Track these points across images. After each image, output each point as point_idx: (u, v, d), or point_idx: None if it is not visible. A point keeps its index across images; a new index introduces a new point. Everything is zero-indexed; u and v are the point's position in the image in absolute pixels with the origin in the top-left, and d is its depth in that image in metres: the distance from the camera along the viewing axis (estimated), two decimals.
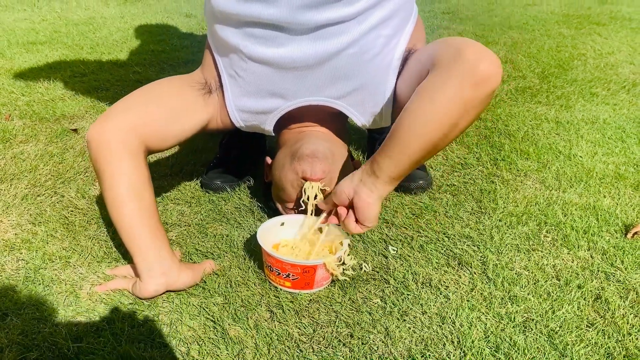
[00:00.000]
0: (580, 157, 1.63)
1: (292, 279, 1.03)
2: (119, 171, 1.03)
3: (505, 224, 1.29)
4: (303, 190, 1.12)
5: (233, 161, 1.50)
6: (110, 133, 1.03)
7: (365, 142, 1.69)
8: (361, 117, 1.15)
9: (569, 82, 2.30)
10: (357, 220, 1.03)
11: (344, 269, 1.08)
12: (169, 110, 1.10)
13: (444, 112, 0.91)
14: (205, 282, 1.08)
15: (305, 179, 1.11)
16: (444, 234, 1.25)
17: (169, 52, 2.73)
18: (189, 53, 2.73)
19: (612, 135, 1.78)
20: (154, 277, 1.02)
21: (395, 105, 1.13)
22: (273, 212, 1.27)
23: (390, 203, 1.38)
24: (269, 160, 1.27)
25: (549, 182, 1.48)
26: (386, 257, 1.17)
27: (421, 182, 1.43)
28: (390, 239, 1.23)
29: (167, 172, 1.53)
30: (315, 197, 1.13)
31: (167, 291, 1.05)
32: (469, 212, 1.35)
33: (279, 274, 1.05)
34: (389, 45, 1.09)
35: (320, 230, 1.12)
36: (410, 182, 1.43)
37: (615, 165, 1.58)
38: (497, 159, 1.61)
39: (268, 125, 1.17)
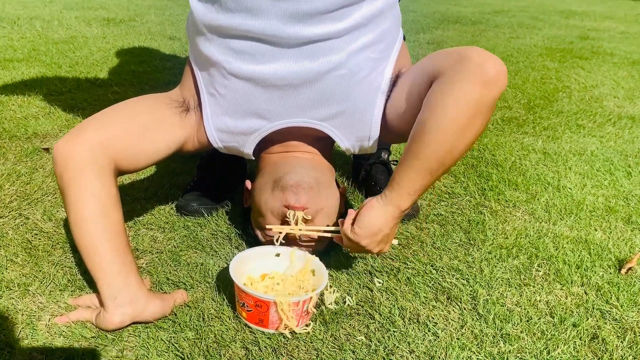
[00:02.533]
0: (570, 188, 1.59)
1: (247, 310, 0.96)
2: (84, 189, 0.95)
3: (495, 256, 1.24)
4: (286, 218, 1.06)
5: (211, 184, 1.43)
6: (78, 149, 0.96)
7: (350, 168, 1.63)
8: (346, 141, 1.10)
9: (555, 113, 2.28)
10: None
11: (320, 306, 1.01)
12: (142, 127, 1.03)
13: (455, 115, 0.89)
14: (175, 315, 0.99)
15: (289, 208, 1.04)
16: (432, 266, 1.19)
17: (150, 73, 2.67)
18: (170, 74, 2.67)
19: (600, 168, 1.75)
20: (119, 306, 0.94)
21: (384, 131, 1.07)
22: (252, 239, 1.20)
23: None
24: (249, 184, 1.20)
25: (538, 214, 1.44)
26: (371, 290, 1.10)
27: None
28: (376, 270, 1.16)
29: (140, 195, 1.45)
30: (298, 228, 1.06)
31: (133, 322, 0.96)
32: (457, 244, 1.29)
33: (238, 301, 0.98)
34: (377, 69, 1.04)
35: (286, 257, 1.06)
36: None
37: (605, 197, 1.54)
38: (484, 189, 1.56)
39: (248, 148, 1.10)
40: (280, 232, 1.07)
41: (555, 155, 1.83)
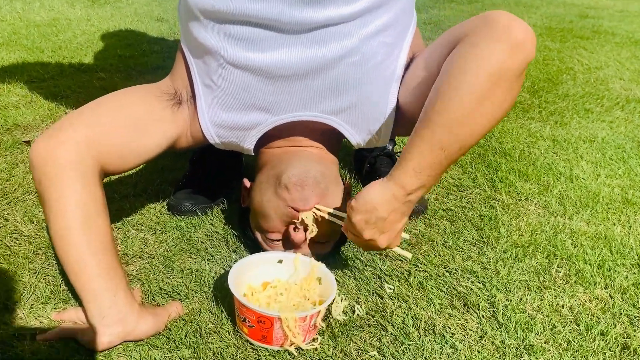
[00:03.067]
0: (583, 179, 1.51)
1: (249, 326, 0.87)
2: (67, 195, 0.85)
3: (511, 256, 1.16)
4: (293, 220, 0.97)
5: (204, 180, 1.33)
6: (58, 149, 0.86)
7: (352, 160, 1.54)
8: (357, 136, 1.01)
9: (561, 97, 2.20)
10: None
11: (328, 317, 0.93)
12: (131, 124, 0.93)
13: (474, 79, 0.77)
14: (170, 331, 0.91)
15: (296, 210, 0.95)
16: (445, 267, 1.11)
17: (137, 57, 2.54)
18: (159, 59, 2.55)
19: (612, 156, 1.67)
20: (108, 325, 0.85)
21: (397, 122, 0.98)
22: (251, 243, 1.11)
23: None
24: (247, 182, 1.11)
25: (552, 208, 1.36)
26: (382, 297, 1.02)
27: (415, 205, 1.28)
28: (385, 275, 1.08)
29: (129, 192, 1.36)
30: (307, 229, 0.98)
31: (123, 342, 0.88)
32: (470, 242, 1.20)
33: (238, 315, 0.89)
34: (392, 55, 0.95)
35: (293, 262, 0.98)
36: None
37: (622, 189, 1.47)
38: (494, 180, 1.48)
39: (248, 144, 1.01)
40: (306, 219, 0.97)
41: (564, 143, 1.75)
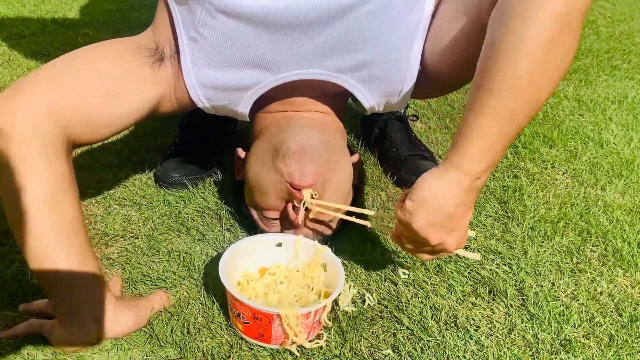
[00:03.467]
0: (614, 144, 1.37)
1: (243, 323, 0.75)
2: (27, 172, 0.71)
3: (540, 233, 1.03)
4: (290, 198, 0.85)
5: (195, 148, 1.19)
6: (16, 117, 0.71)
7: (358, 123, 1.39)
8: (371, 98, 0.86)
9: (584, 53, 2.03)
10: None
11: (334, 309, 0.81)
12: (103, 86, 0.78)
13: (541, 27, 0.61)
14: (153, 326, 0.79)
15: (293, 185, 0.82)
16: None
17: (125, 11, 2.36)
18: (149, 13, 2.33)
19: None
20: (80, 324, 0.73)
21: (419, 82, 0.84)
22: (246, 221, 0.98)
23: (390, 204, 1.10)
24: (241, 152, 0.97)
25: (582, 177, 1.22)
26: (395, 284, 0.89)
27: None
28: (399, 257, 0.95)
29: (112, 160, 1.22)
30: (306, 209, 0.85)
31: (99, 341, 0.76)
32: (493, 217, 1.07)
33: (231, 309, 0.77)
34: (416, 4, 0.79)
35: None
36: (417, 173, 1.14)
37: None
38: (517, 146, 1.34)
39: (243, 107, 0.87)
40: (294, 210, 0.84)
41: (591, 103, 1.60)
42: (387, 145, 1.24)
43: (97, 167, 1.19)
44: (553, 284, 0.91)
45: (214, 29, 0.78)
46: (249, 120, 0.92)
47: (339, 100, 0.91)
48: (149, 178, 1.16)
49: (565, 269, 0.94)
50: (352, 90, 0.84)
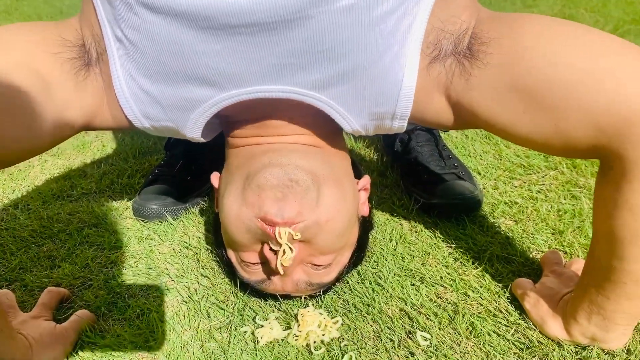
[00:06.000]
0: None
1: None
2: None
3: None
4: (267, 241, 0.64)
5: (181, 172, 1.01)
6: None
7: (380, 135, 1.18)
8: (353, 120, 0.64)
9: None
10: None
11: None
12: (2, 97, 0.56)
13: None
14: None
15: (267, 222, 0.62)
16: (510, 298, 0.75)
17: None
18: None
19: None
20: None
21: (423, 105, 0.62)
22: (225, 266, 0.79)
23: (413, 237, 0.88)
24: (215, 179, 0.77)
25: None
26: (413, 355, 0.67)
27: (466, 197, 0.92)
28: (418, 313, 0.73)
29: (91, 187, 1.06)
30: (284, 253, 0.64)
31: None
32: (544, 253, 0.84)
33: None
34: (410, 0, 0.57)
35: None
36: (449, 199, 0.92)
37: None
38: (574, 158, 1.09)
39: (191, 130, 0.65)
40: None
41: None
42: (413, 161, 1.02)
43: (72, 196, 1.03)
44: (629, 350, 0.66)
45: (138, 29, 0.58)
46: (204, 140, 0.71)
47: (329, 122, 0.68)
48: (127, 208, 0.99)
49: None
50: (328, 112, 0.62)
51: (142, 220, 0.94)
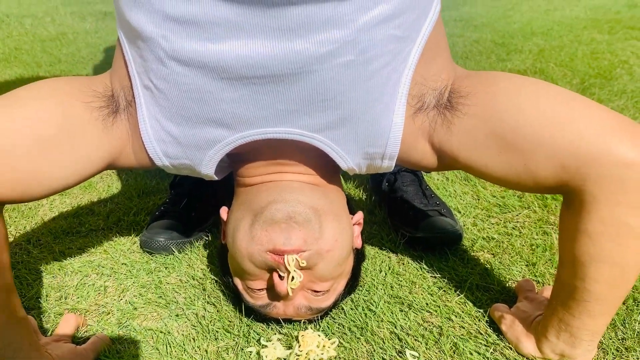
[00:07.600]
0: None
1: None
2: None
3: None
4: (276, 271, 0.73)
5: (186, 209, 1.09)
6: None
7: (367, 176, 1.28)
8: (349, 159, 0.74)
9: (617, 94, 1.88)
10: None
11: None
12: (41, 142, 0.65)
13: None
14: None
15: (276, 252, 0.70)
16: (488, 322, 0.83)
17: None
18: None
19: None
20: None
21: (408, 147, 0.72)
22: (231, 293, 0.86)
23: (401, 268, 0.97)
24: (224, 213, 0.85)
25: None
26: None
27: (448, 230, 1.01)
28: (407, 335, 0.81)
29: (99, 224, 1.13)
30: (293, 278, 0.72)
31: None
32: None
33: None
34: (401, 54, 0.68)
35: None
36: (433, 232, 1.01)
37: None
38: (546, 197, 1.19)
39: (206, 168, 0.75)
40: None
41: None
42: (399, 200, 1.11)
43: (81, 232, 1.10)
44: None
45: (167, 79, 0.68)
46: (216, 178, 0.80)
47: (329, 159, 0.78)
48: (134, 243, 1.06)
49: (610, 347, 0.78)
50: (327, 151, 0.72)
51: (150, 253, 1.01)
